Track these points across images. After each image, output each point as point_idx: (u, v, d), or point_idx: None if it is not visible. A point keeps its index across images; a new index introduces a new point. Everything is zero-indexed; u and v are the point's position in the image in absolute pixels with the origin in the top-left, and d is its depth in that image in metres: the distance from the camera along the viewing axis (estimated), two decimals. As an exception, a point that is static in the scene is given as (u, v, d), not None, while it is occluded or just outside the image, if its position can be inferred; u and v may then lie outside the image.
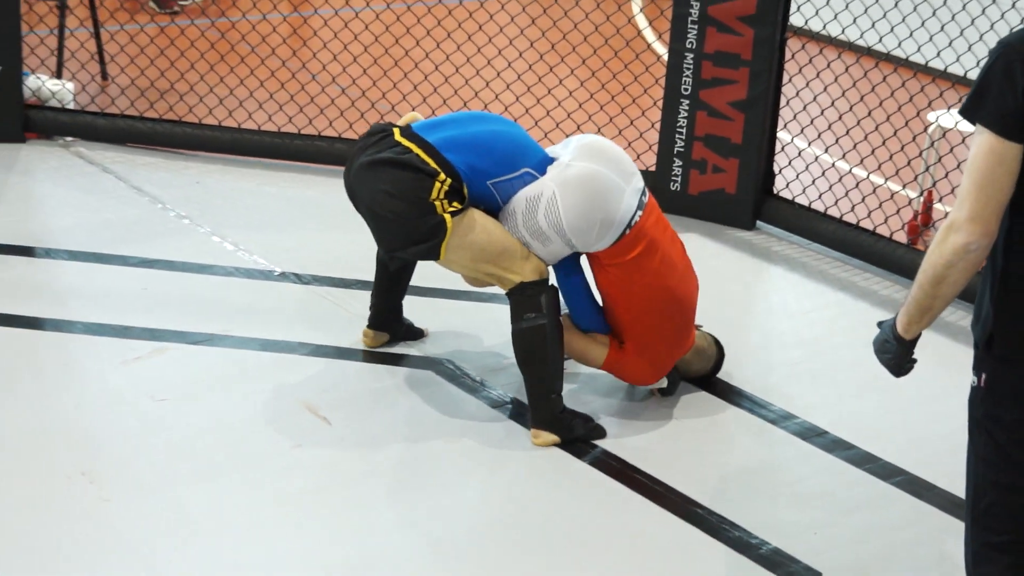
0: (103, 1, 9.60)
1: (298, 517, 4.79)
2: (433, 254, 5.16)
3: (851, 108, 7.32)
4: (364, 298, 5.88)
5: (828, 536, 4.88)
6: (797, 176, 7.32)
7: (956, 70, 7.57)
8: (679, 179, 7.13)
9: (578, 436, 5.26)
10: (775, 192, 7.20)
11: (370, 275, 5.75)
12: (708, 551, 4.77)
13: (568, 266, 5.37)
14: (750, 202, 7.10)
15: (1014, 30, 3.63)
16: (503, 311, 5.37)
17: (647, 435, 5.38)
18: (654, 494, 5.04)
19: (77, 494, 4.82)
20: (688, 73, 7.02)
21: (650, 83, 7.83)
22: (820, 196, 7.17)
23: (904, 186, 7.44)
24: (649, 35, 9.98)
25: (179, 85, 8.29)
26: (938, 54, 7.45)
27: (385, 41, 8.24)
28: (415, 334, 5.86)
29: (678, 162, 7.12)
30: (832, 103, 7.38)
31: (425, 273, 5.67)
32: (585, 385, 5.64)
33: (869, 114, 7.24)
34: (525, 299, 5.20)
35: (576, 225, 5.17)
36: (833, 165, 7.50)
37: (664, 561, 4.73)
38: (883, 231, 6.89)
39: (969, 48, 7.19)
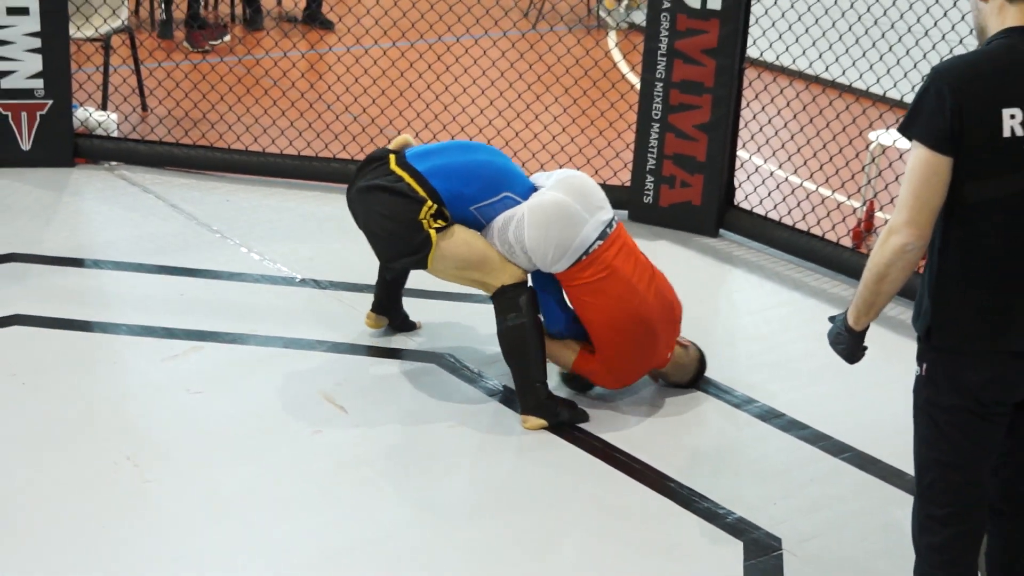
0: (143, 41, 9.57)
1: (319, 495, 4.77)
2: (421, 264, 5.21)
3: (802, 129, 7.30)
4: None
5: (786, 506, 4.86)
6: (755, 189, 7.30)
7: (893, 95, 7.57)
8: (651, 193, 7.10)
9: (563, 420, 5.24)
10: (736, 203, 7.18)
11: (380, 280, 5.74)
12: (680, 520, 4.75)
13: (541, 281, 5.35)
14: (714, 212, 7.07)
15: (944, 59, 3.62)
16: (492, 311, 5.34)
17: (625, 419, 5.35)
18: (632, 470, 5.01)
19: (122, 476, 4.80)
20: (658, 100, 6.99)
21: (625, 109, 7.81)
22: (776, 207, 7.14)
23: (849, 197, 7.43)
24: (623, 67, 9.95)
25: (210, 115, 8.26)
26: (877, 81, 7.43)
27: (391, 74, 8.21)
28: (410, 326, 5.87)
29: (650, 178, 7.10)
30: (785, 124, 7.36)
31: (427, 279, 5.65)
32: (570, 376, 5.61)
33: (818, 134, 7.23)
34: (506, 301, 5.20)
35: (533, 245, 5.17)
36: (787, 179, 7.48)
37: (641, 529, 4.71)
38: (831, 237, 6.86)
39: (905, 75, 7.17)
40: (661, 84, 6.97)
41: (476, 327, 5.90)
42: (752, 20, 6.96)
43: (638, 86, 7.21)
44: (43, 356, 5.60)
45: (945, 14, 6.79)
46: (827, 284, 6.64)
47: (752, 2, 6.91)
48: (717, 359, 5.78)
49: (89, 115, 7.85)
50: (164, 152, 7.70)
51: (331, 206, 7.30)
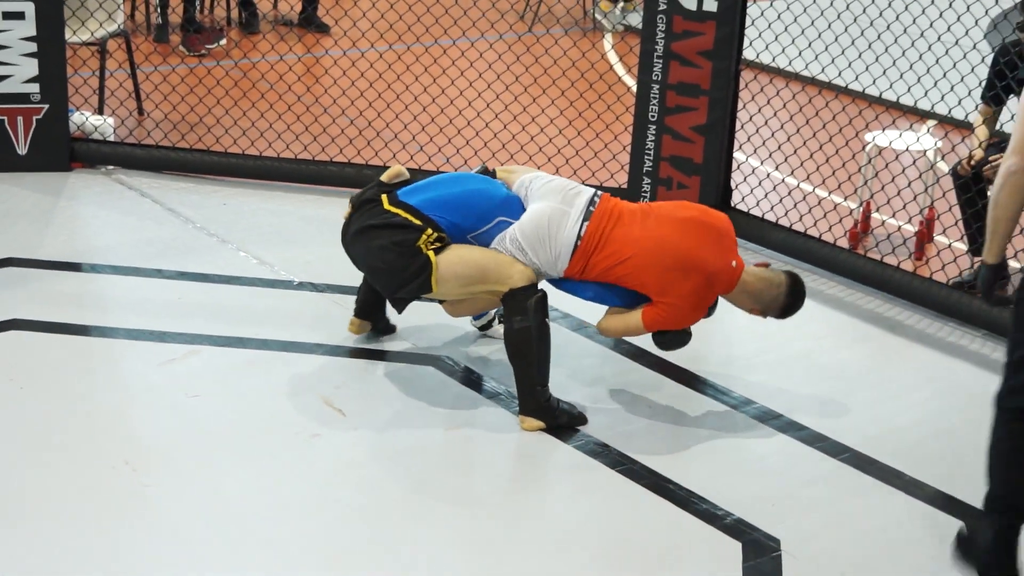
0: (139, 45, 9.57)
1: (319, 498, 4.78)
2: (425, 288, 5.23)
3: (798, 130, 7.31)
4: (373, 303, 5.86)
5: (785, 507, 4.86)
6: (752, 191, 7.31)
7: (889, 96, 7.56)
8: (648, 195, 7.10)
9: (561, 423, 5.25)
10: (733, 205, 7.18)
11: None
12: (679, 521, 4.76)
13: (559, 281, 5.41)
14: (711, 214, 7.07)
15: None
16: (495, 313, 5.36)
17: (624, 421, 5.36)
18: (630, 471, 5.02)
19: (121, 480, 4.80)
20: (655, 102, 7.00)
21: (621, 111, 7.81)
22: (772, 208, 7.14)
23: (845, 198, 7.44)
24: (620, 69, 9.96)
25: (207, 119, 8.26)
26: (874, 82, 7.43)
27: (388, 77, 8.22)
28: (390, 329, 5.89)
29: (647, 180, 7.10)
30: (781, 126, 7.37)
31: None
32: (571, 377, 5.61)
33: (814, 135, 7.23)
34: (515, 304, 5.21)
35: (538, 259, 5.25)
36: (783, 181, 7.49)
37: (639, 530, 4.72)
38: (828, 238, 6.87)
39: (901, 76, 7.18)
40: (657, 86, 6.97)
41: (474, 330, 5.91)
42: (748, 22, 6.97)
43: (634, 88, 7.22)
44: (41, 360, 5.60)
45: (941, 15, 6.80)
46: (824, 285, 6.65)
47: (748, 4, 6.92)
48: (714, 360, 5.79)
49: (85, 119, 7.85)
50: (161, 156, 7.70)
51: (328, 209, 7.30)
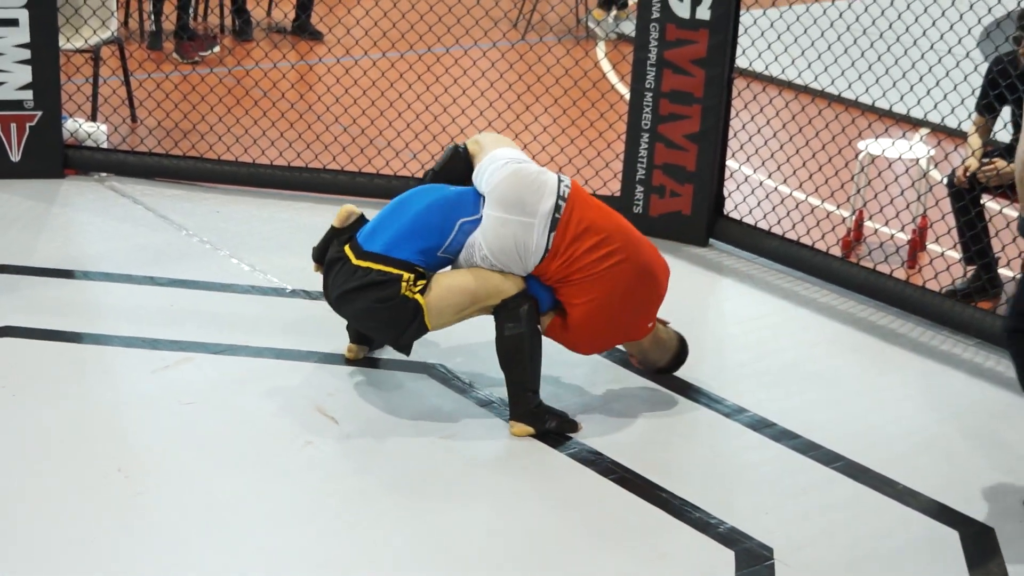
0: (132, 53, 9.56)
1: (312, 506, 4.77)
2: (423, 329, 5.24)
3: (791, 139, 7.31)
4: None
5: (778, 516, 4.86)
6: (744, 199, 7.30)
7: (882, 104, 7.56)
8: (641, 203, 7.10)
9: (551, 429, 5.25)
10: (726, 213, 7.18)
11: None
12: (672, 530, 4.75)
13: None
14: (704, 222, 7.07)
15: None
16: (485, 321, 5.34)
17: (616, 428, 5.35)
18: (623, 480, 5.01)
19: (113, 488, 4.79)
20: (648, 110, 7.00)
21: (614, 119, 7.81)
22: (765, 216, 7.14)
23: (838, 207, 7.43)
24: (613, 77, 9.96)
25: (200, 126, 8.26)
26: (866, 91, 7.44)
27: (381, 85, 8.21)
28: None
29: (640, 188, 7.10)
30: (774, 134, 7.37)
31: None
32: (563, 385, 5.61)
33: (807, 144, 7.23)
34: (507, 312, 5.22)
35: (504, 263, 5.24)
36: (776, 189, 7.49)
37: (633, 539, 4.71)
38: (820, 246, 6.87)
39: (893, 85, 7.19)
40: (651, 94, 6.97)
41: (467, 337, 5.89)
42: (741, 30, 6.97)
43: (627, 96, 7.22)
44: (33, 368, 5.59)
45: (934, 23, 6.80)
46: (817, 293, 6.65)
47: (741, 12, 6.92)
48: (707, 368, 5.78)
49: (79, 126, 7.84)
50: (154, 163, 7.69)
51: (321, 217, 7.27)
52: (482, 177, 5.35)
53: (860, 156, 7.19)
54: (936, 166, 7.56)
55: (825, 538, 4.77)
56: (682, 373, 5.72)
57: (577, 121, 8.03)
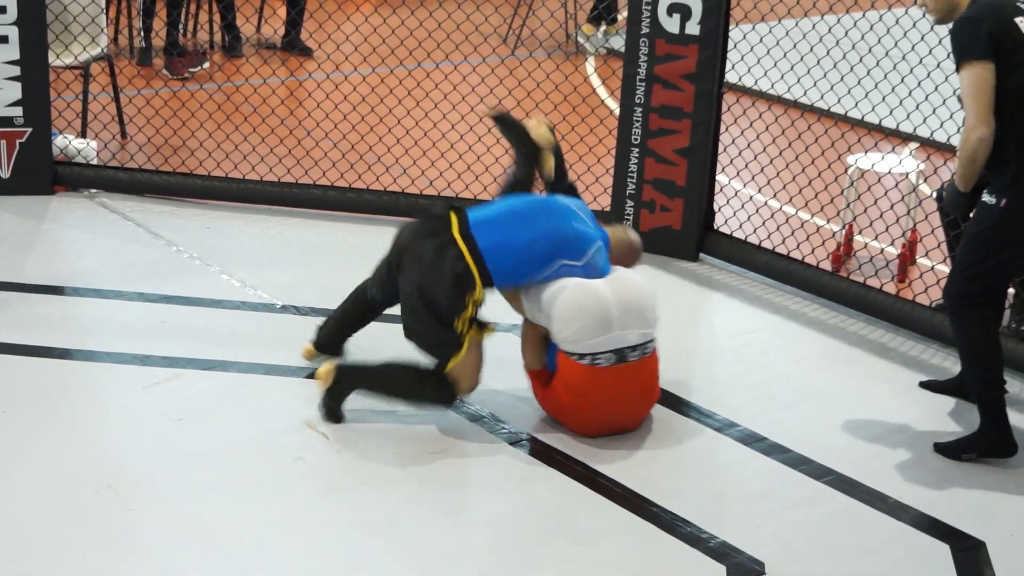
0: (122, 69, 9.56)
1: (301, 522, 4.76)
2: (442, 363, 5.25)
3: (780, 153, 7.32)
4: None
5: (769, 530, 4.86)
6: (735, 213, 7.31)
7: (871, 119, 7.57)
8: (631, 218, 7.11)
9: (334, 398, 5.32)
10: (716, 228, 7.19)
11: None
12: (663, 544, 4.75)
13: None
14: (694, 237, 7.08)
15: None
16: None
17: (607, 443, 5.34)
18: (614, 494, 5.01)
19: (103, 504, 4.78)
20: (637, 125, 7.01)
21: (604, 134, 7.82)
22: (755, 230, 7.15)
23: (828, 221, 7.44)
24: (602, 92, 9.97)
25: (190, 142, 8.26)
26: (855, 105, 7.46)
27: (371, 100, 8.22)
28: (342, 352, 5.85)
29: (630, 203, 7.11)
30: (764, 149, 7.39)
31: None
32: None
33: (796, 158, 7.25)
34: (433, 379, 5.30)
35: (558, 326, 5.21)
36: (766, 203, 7.49)
37: (624, 553, 4.71)
38: (810, 260, 6.87)
39: (883, 99, 7.20)
40: (640, 109, 6.98)
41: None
42: (730, 45, 6.98)
43: (617, 111, 7.23)
44: (23, 384, 5.58)
45: (922, 38, 6.81)
46: (807, 307, 6.65)
47: (730, 27, 6.94)
48: (698, 383, 5.78)
49: (68, 143, 7.84)
50: (144, 179, 7.69)
51: (311, 232, 7.30)
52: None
53: (849, 170, 7.20)
54: (925, 180, 7.58)
55: (816, 552, 4.76)
56: (673, 387, 5.71)
57: (567, 136, 8.03)
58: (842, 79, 7.37)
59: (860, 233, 7.32)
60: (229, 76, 9.82)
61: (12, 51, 7.33)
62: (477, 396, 5.54)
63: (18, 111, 7.42)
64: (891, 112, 7.02)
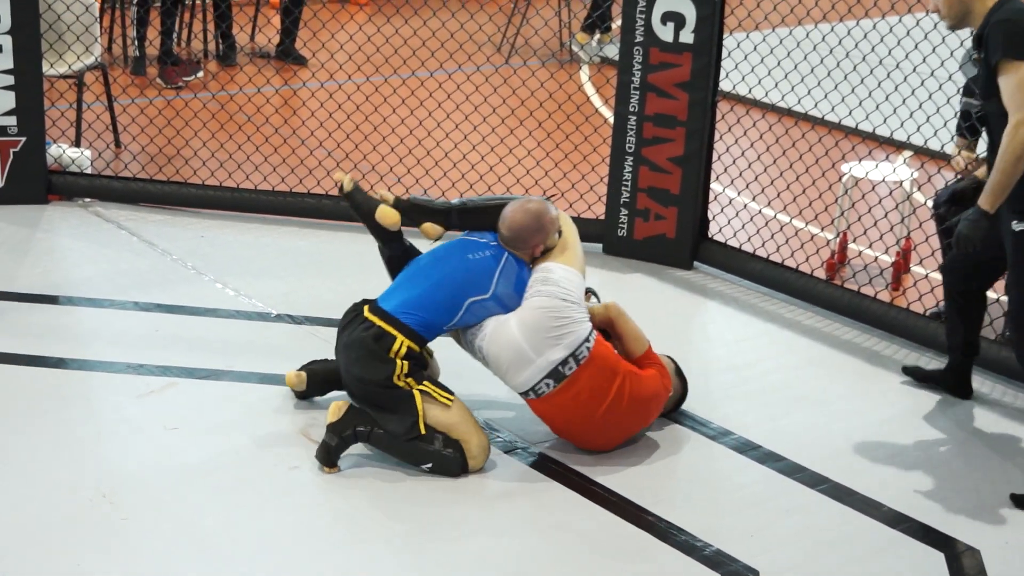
0: (116, 78, 9.57)
1: (296, 530, 4.77)
2: (415, 429, 5.13)
3: (774, 161, 7.34)
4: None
5: (764, 538, 4.86)
6: (729, 222, 7.33)
7: (865, 127, 7.59)
8: (625, 226, 7.12)
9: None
10: (710, 236, 7.20)
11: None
12: (658, 553, 4.76)
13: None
14: (688, 245, 7.09)
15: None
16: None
17: (602, 452, 5.35)
18: (608, 503, 5.02)
19: (98, 513, 4.78)
20: (632, 133, 7.02)
21: (598, 142, 7.84)
22: (749, 239, 7.17)
23: (822, 229, 7.46)
24: (597, 101, 9.99)
25: (184, 151, 8.27)
26: (849, 113, 7.47)
27: (365, 109, 8.23)
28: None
29: (624, 211, 7.12)
30: (758, 157, 7.40)
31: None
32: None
33: (790, 166, 7.26)
34: (426, 444, 5.15)
35: (492, 369, 5.24)
36: (760, 211, 7.51)
37: (620, 562, 4.71)
38: (805, 269, 6.89)
39: (877, 107, 7.22)
40: (634, 118, 6.99)
41: (451, 361, 5.89)
42: (724, 53, 7.00)
43: (611, 120, 7.24)
44: (17, 393, 5.58)
45: (916, 46, 6.84)
46: (801, 316, 6.66)
47: (724, 36, 6.95)
48: (692, 391, 5.78)
49: (63, 152, 7.84)
50: (138, 188, 7.70)
51: (306, 241, 7.30)
52: (531, 283, 5.28)
53: (844, 178, 7.21)
54: (919, 188, 7.59)
55: (811, 560, 4.77)
56: (667, 396, 5.72)
57: (561, 144, 8.05)
58: (836, 87, 7.39)
59: (854, 241, 7.33)
60: (223, 85, 9.83)
61: (6, 60, 7.33)
62: (470, 405, 5.55)
63: (12, 120, 7.42)
64: (885, 120, 7.04)
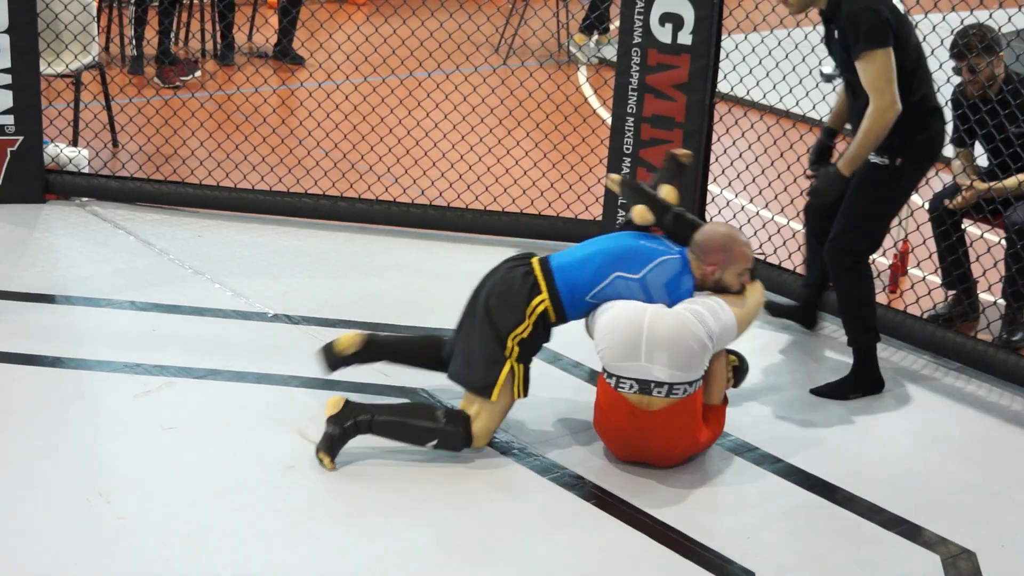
0: (113, 77, 9.58)
1: (293, 530, 4.77)
2: (487, 392, 5.20)
3: (772, 163, 7.34)
4: (348, 336, 5.85)
5: (760, 540, 4.87)
6: (726, 223, 7.32)
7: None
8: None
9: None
10: (707, 238, 7.19)
11: (352, 315, 5.70)
12: (654, 555, 4.76)
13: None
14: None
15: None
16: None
17: (598, 453, 5.35)
18: (605, 504, 5.02)
19: (95, 513, 4.79)
20: (629, 134, 7.03)
21: (596, 144, 7.85)
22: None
23: (820, 231, 7.45)
24: (594, 102, 10.00)
25: (181, 150, 8.27)
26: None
27: (363, 109, 8.24)
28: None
29: (621, 212, 7.12)
30: (756, 159, 7.41)
31: (406, 316, 5.65)
32: (545, 410, 5.61)
33: (788, 168, 7.26)
34: (453, 427, 5.21)
35: (596, 337, 5.19)
36: (757, 213, 7.52)
37: (615, 563, 4.72)
38: (802, 271, 6.89)
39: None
40: (632, 119, 7.00)
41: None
42: (723, 55, 7.01)
43: (609, 121, 7.25)
44: (14, 393, 5.58)
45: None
46: (799, 318, 6.67)
47: (723, 37, 6.96)
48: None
49: (60, 151, 7.85)
50: (135, 188, 7.70)
51: (303, 241, 7.31)
52: (698, 299, 5.24)
53: (841, 181, 7.21)
54: (917, 191, 7.59)
55: (807, 562, 4.78)
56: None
57: (559, 145, 8.06)
58: (834, 89, 7.39)
59: (852, 243, 7.33)
60: (221, 84, 9.84)
61: (3, 59, 7.34)
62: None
63: (9, 119, 7.43)
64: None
